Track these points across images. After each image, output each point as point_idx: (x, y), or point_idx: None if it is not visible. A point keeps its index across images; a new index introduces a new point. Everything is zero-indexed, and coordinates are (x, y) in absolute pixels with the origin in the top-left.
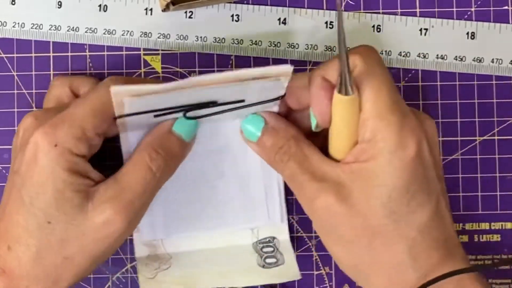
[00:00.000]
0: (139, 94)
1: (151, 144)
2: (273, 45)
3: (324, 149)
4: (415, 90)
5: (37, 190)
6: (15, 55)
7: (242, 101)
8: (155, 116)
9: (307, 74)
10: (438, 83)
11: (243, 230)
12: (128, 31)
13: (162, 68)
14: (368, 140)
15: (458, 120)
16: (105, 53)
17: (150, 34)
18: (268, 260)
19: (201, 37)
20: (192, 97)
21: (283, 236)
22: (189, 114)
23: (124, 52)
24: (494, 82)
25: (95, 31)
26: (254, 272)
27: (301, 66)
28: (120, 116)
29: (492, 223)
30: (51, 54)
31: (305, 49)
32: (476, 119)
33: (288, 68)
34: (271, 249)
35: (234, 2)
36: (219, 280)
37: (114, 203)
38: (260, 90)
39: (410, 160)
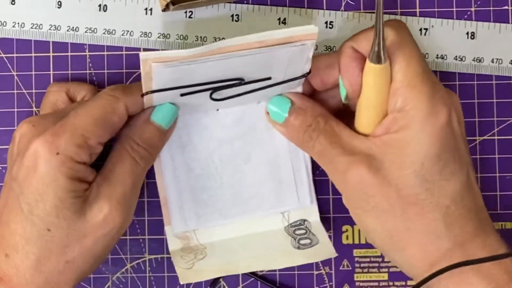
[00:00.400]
0: (166, 59)
1: (131, 135)
2: None
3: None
4: None
5: (37, 198)
6: (15, 55)
7: (269, 78)
8: (182, 95)
9: (331, 53)
10: None
11: (274, 214)
12: (128, 31)
13: None
14: (399, 109)
15: None
16: (105, 53)
17: (150, 34)
18: (302, 242)
19: (201, 37)
20: (219, 70)
21: (314, 217)
22: (215, 95)
23: (124, 52)
24: (494, 82)
25: (95, 31)
26: (291, 254)
27: None
28: (147, 93)
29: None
30: (51, 54)
31: None
32: (476, 119)
33: (313, 28)
34: (304, 231)
35: (234, 2)
36: (257, 264)
37: (110, 200)
38: (286, 62)
39: (441, 128)
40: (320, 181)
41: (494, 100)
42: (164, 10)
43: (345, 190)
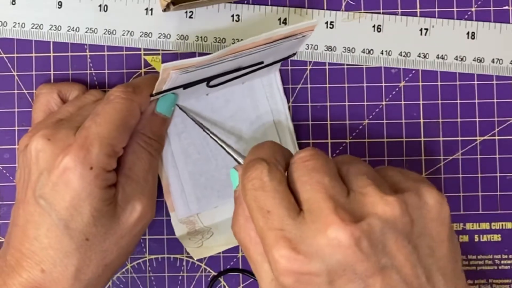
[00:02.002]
0: (184, 66)
1: (142, 131)
2: None
3: None
4: (415, 90)
5: (72, 212)
6: (15, 55)
7: (261, 63)
8: (184, 88)
9: None
10: (439, 83)
11: None
12: (129, 31)
13: None
14: None
15: (459, 120)
16: (105, 53)
17: (150, 34)
18: None
19: (201, 37)
20: (222, 67)
21: None
22: (212, 83)
23: (124, 52)
24: (494, 82)
25: (95, 31)
26: None
27: (302, 66)
28: (157, 93)
29: (493, 223)
30: (52, 54)
31: (306, 49)
32: (477, 119)
33: (313, 22)
34: None
35: (234, 2)
36: None
37: (141, 198)
38: (283, 50)
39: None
40: None
41: (495, 100)
42: (164, 10)
43: None
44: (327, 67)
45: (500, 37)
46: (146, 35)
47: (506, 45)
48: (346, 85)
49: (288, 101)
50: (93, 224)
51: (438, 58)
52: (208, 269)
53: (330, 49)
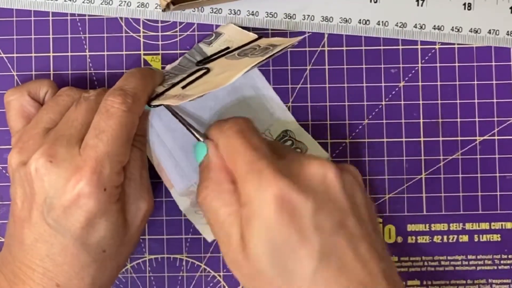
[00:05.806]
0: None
1: None
2: (271, 15)
3: None
4: (415, 90)
5: (89, 230)
6: (15, 55)
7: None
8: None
9: None
10: (438, 83)
11: None
12: (126, 1)
13: (162, 68)
14: (242, 204)
15: (458, 120)
16: (105, 53)
17: (147, 5)
18: None
19: (198, 8)
20: None
21: (293, 125)
22: None
23: (124, 52)
24: (494, 82)
25: (93, 2)
26: None
27: (302, 66)
28: (157, 105)
29: (492, 223)
30: (51, 54)
31: (302, 19)
32: (476, 119)
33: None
34: (290, 142)
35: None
36: None
37: (142, 195)
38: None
39: (273, 214)
40: None
41: (494, 100)
42: (164, 10)
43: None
44: (327, 67)
45: (496, 8)
46: (143, 6)
47: (503, 16)
48: (346, 85)
49: (288, 101)
50: (110, 237)
51: (434, 28)
52: (208, 269)
53: (326, 20)
